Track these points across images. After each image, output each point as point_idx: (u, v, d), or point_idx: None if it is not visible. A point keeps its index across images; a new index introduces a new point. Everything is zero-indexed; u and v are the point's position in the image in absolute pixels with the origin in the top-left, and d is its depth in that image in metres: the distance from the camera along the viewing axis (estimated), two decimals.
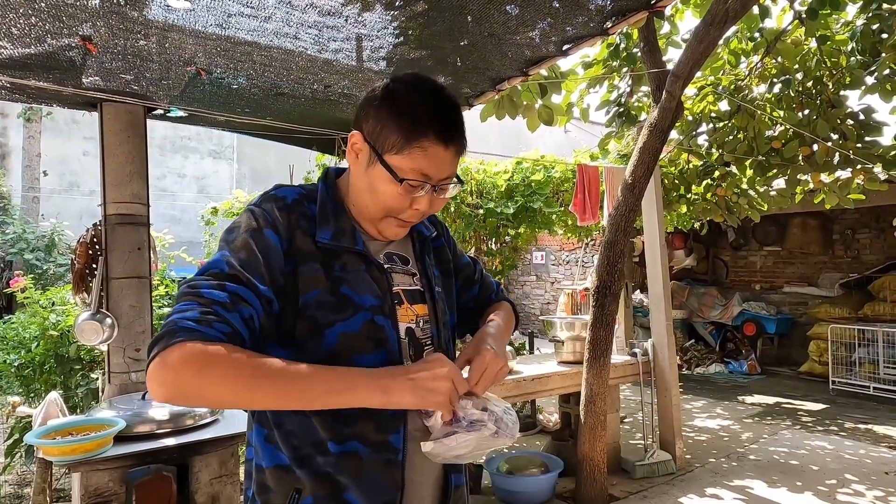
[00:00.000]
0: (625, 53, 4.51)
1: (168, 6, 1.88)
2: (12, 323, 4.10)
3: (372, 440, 1.00)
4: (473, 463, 3.27)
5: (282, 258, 0.97)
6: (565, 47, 2.36)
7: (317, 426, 0.99)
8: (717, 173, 5.23)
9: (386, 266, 1.08)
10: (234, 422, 2.49)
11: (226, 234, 1.00)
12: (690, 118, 5.14)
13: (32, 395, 3.77)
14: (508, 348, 3.87)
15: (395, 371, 0.93)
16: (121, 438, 2.16)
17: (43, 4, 1.86)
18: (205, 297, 0.87)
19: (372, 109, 1.01)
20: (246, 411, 1.08)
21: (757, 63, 4.84)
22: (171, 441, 2.24)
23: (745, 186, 5.32)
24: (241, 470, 1.97)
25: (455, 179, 1.04)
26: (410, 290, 1.11)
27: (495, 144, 7.52)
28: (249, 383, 0.83)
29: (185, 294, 0.88)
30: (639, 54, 4.35)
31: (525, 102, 3.62)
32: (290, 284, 0.97)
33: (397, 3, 1.97)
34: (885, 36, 4.02)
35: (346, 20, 2.05)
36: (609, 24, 2.17)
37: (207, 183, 13.31)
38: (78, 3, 1.87)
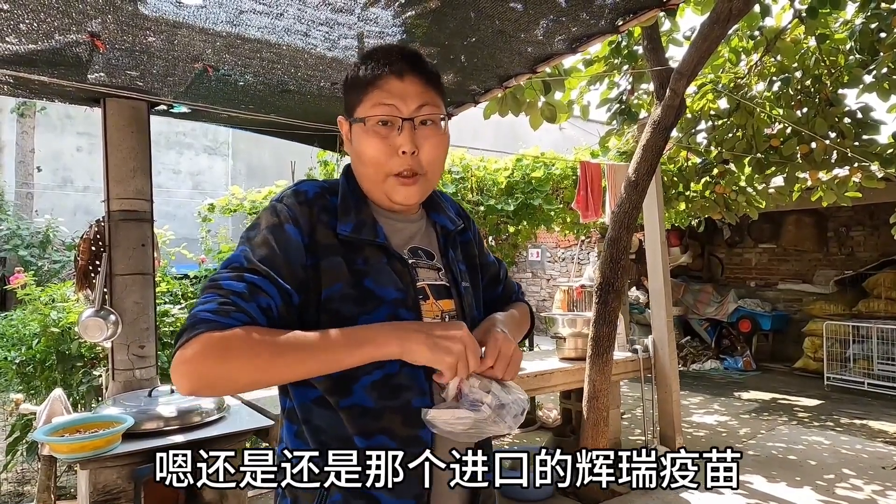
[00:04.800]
0: (626, 51, 4.52)
1: (179, 2, 1.87)
2: (12, 320, 4.07)
3: (399, 434, 0.99)
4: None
5: (303, 252, 0.98)
6: (575, 44, 2.36)
7: (344, 421, 0.98)
8: (715, 171, 5.26)
9: (411, 261, 1.07)
10: (241, 419, 2.49)
11: (247, 230, 1.01)
12: (690, 116, 5.16)
13: (33, 392, 3.74)
14: None
15: (413, 324, 0.96)
16: (128, 435, 2.16)
17: (53, 0, 1.84)
18: (224, 288, 0.89)
19: (344, 93, 1.13)
20: (282, 413, 1.07)
21: (756, 61, 4.87)
22: (178, 438, 2.24)
23: (743, 184, 5.35)
24: None
25: (441, 113, 1.07)
26: (436, 285, 1.09)
27: (491, 142, 7.52)
28: (273, 357, 0.86)
29: (206, 288, 0.91)
30: (640, 52, 4.36)
31: (528, 100, 3.62)
32: (313, 278, 0.98)
33: (408, 0, 1.96)
34: (883, 35, 4.04)
35: (357, 18, 2.04)
36: (620, 22, 2.17)
37: (203, 179, 13.23)
38: (87, 0, 1.85)
